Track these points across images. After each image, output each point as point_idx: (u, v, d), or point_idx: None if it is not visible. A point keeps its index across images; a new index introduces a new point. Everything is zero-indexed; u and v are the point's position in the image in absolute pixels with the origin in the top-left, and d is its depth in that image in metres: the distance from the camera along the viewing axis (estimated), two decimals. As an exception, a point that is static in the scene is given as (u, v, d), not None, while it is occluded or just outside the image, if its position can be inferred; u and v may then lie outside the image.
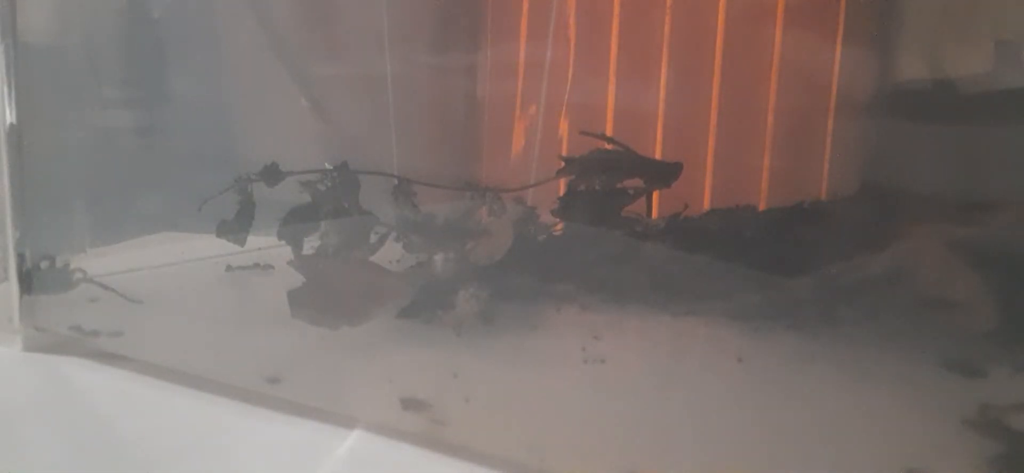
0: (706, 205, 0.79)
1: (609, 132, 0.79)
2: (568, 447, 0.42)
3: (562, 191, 0.73)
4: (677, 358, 0.54)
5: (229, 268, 0.72)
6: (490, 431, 0.44)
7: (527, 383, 0.50)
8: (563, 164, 0.73)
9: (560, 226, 0.73)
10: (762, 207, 0.76)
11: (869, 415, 0.44)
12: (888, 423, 0.43)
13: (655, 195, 0.73)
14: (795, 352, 0.52)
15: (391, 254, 0.66)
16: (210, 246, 0.69)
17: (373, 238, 0.66)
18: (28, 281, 0.61)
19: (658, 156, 0.81)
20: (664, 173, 0.73)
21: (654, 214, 0.73)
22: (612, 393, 0.48)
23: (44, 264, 0.64)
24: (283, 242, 0.66)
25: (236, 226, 0.67)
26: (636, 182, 0.72)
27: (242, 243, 0.68)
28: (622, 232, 0.68)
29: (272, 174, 0.68)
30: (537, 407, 0.47)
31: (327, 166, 0.69)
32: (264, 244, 0.69)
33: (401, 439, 0.44)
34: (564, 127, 0.85)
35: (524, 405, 0.47)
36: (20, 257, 0.61)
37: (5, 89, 0.59)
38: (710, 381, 0.49)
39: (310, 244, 0.66)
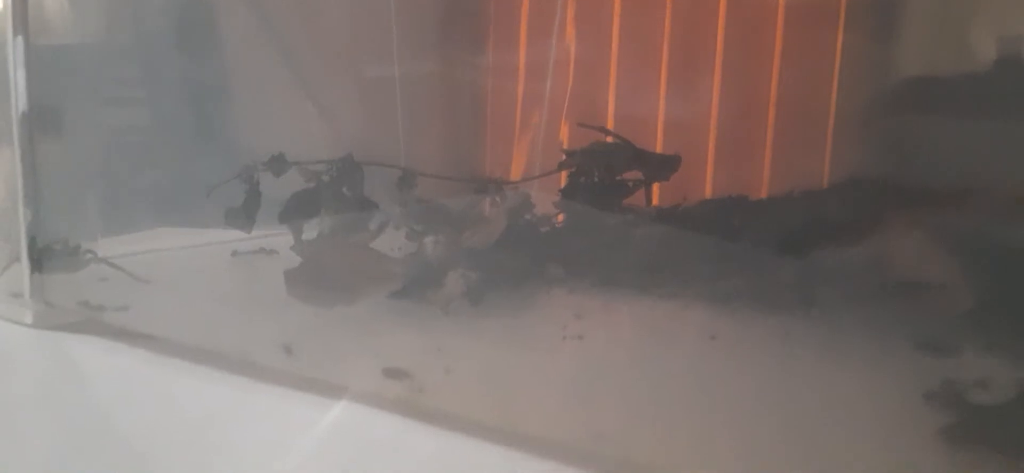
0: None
1: (610, 128, 0.81)
2: (537, 412, 0.44)
3: (564, 183, 0.75)
4: (653, 336, 0.55)
5: (235, 253, 0.75)
6: (465, 398, 0.46)
7: (505, 356, 0.52)
8: (565, 157, 0.75)
9: (561, 216, 0.75)
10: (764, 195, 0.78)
11: (834, 390, 0.46)
12: (852, 397, 0.45)
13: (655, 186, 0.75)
14: (769, 332, 0.53)
15: (394, 242, 0.68)
16: (219, 233, 0.72)
17: (373, 225, 0.68)
18: (39, 260, 0.63)
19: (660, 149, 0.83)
20: (663, 165, 0.74)
21: (654, 203, 0.74)
22: (585, 366, 0.49)
23: (58, 246, 0.66)
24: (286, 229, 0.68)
25: (243, 214, 0.70)
26: (636, 174, 0.73)
27: (248, 230, 0.70)
28: (616, 220, 0.70)
29: (278, 164, 0.71)
30: (511, 377, 0.48)
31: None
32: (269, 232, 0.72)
33: (384, 407, 0.46)
34: (564, 130, 0.87)
35: (499, 375, 0.49)
36: (32, 238, 0.63)
37: (18, 80, 0.62)
38: (682, 357, 0.51)
39: (312, 231, 0.68)
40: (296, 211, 0.69)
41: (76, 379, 0.58)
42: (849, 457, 0.40)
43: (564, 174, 0.75)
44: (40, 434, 0.49)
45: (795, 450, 0.41)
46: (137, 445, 0.47)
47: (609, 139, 0.75)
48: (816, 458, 0.40)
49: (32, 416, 0.51)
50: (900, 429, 0.41)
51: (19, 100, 0.63)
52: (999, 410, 0.41)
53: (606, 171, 0.74)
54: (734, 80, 0.82)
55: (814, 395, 0.45)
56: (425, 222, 0.69)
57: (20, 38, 0.63)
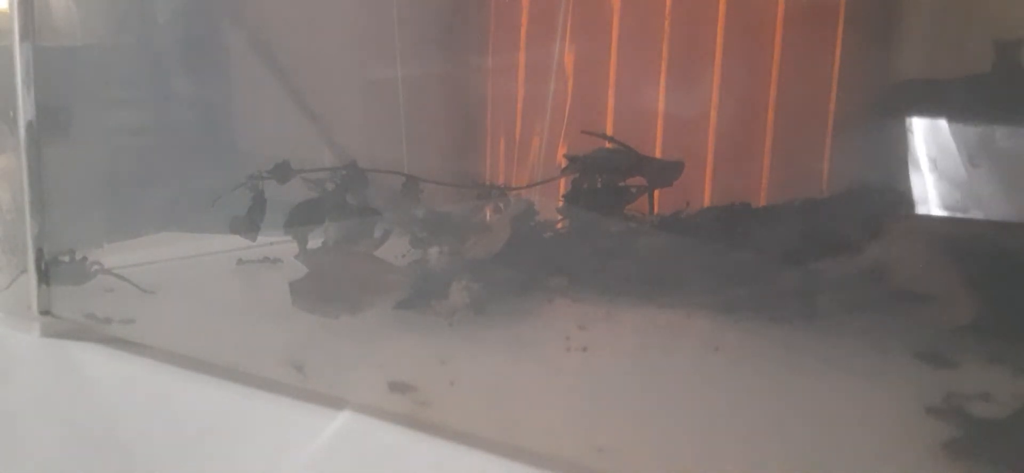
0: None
1: (610, 134, 0.81)
2: (540, 426, 0.44)
3: (566, 189, 0.75)
4: (656, 347, 0.56)
5: (240, 262, 0.75)
6: (469, 412, 0.46)
7: (509, 368, 0.52)
8: (567, 163, 0.75)
9: (561, 223, 0.75)
10: (762, 203, 0.78)
11: (837, 403, 0.46)
12: (855, 409, 0.45)
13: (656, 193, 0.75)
14: (773, 343, 0.53)
15: (398, 249, 0.69)
16: (225, 242, 0.72)
17: (377, 233, 0.69)
18: (46, 273, 0.64)
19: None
20: (666, 172, 0.74)
21: (655, 210, 0.74)
22: (589, 378, 0.50)
23: (65, 258, 0.67)
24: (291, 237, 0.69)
25: (248, 222, 0.70)
26: (639, 181, 0.73)
27: (253, 238, 0.71)
28: (618, 228, 0.70)
29: (283, 172, 0.71)
30: (516, 390, 0.49)
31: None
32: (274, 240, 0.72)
33: (387, 418, 0.46)
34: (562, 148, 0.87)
35: (504, 389, 0.49)
36: (39, 250, 0.63)
37: (24, 89, 0.62)
38: (686, 369, 0.51)
39: (316, 239, 0.68)
40: (301, 219, 0.69)
41: (81, 387, 0.58)
42: (852, 470, 0.40)
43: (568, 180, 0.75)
44: (45, 441, 0.49)
45: (798, 463, 0.41)
46: (140, 453, 0.47)
47: (610, 145, 0.76)
48: (819, 471, 0.41)
49: (37, 424, 0.52)
50: (903, 442, 0.42)
51: (26, 108, 0.63)
52: (1002, 424, 0.42)
53: (609, 177, 0.74)
54: (734, 84, 0.82)
55: (817, 407, 0.45)
56: (429, 230, 0.69)
57: (27, 45, 0.63)
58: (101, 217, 0.79)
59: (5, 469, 0.46)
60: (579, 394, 0.48)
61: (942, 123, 0.63)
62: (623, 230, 0.70)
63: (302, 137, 0.85)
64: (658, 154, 0.83)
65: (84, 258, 0.68)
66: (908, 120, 0.64)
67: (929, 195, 0.61)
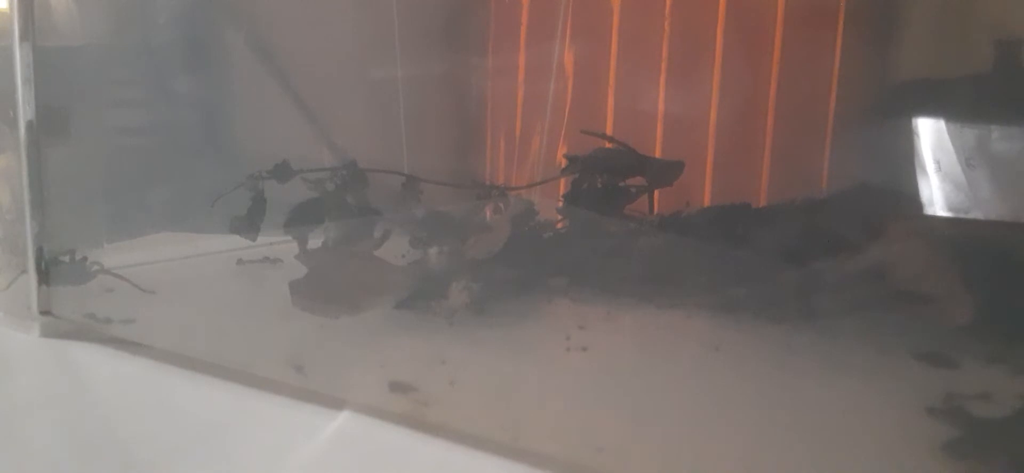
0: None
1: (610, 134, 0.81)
2: (541, 426, 0.44)
3: (566, 189, 0.75)
4: (656, 347, 0.56)
5: (240, 262, 0.75)
6: (470, 412, 0.46)
7: (509, 368, 0.52)
8: (567, 163, 0.75)
9: (561, 223, 0.75)
10: (762, 203, 0.78)
11: (837, 403, 0.46)
12: (854, 409, 0.45)
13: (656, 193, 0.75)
14: (773, 343, 0.53)
15: (398, 249, 0.69)
16: (225, 241, 0.72)
17: (377, 233, 0.69)
18: (46, 273, 0.64)
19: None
20: (666, 172, 0.74)
21: (655, 210, 0.74)
22: (589, 378, 0.50)
23: (65, 258, 0.67)
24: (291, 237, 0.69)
25: (248, 222, 0.70)
26: (639, 180, 0.73)
27: (253, 238, 0.71)
28: (618, 228, 0.70)
29: (283, 172, 0.71)
30: (516, 390, 0.49)
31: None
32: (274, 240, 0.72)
33: (387, 418, 0.46)
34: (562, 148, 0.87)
35: (504, 389, 0.49)
36: (39, 250, 0.63)
37: (24, 89, 0.62)
38: (686, 369, 0.51)
39: (316, 239, 0.68)
40: (301, 219, 0.69)
41: (81, 387, 0.58)
42: (852, 470, 0.40)
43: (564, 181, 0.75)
44: (45, 441, 0.49)
45: (798, 463, 0.41)
46: (140, 453, 0.47)
47: (610, 145, 0.76)
48: (819, 472, 0.41)
49: (37, 424, 0.52)
50: (903, 442, 0.42)
51: (25, 108, 0.63)
52: (1002, 424, 0.42)
53: (609, 177, 0.74)
54: (734, 84, 0.82)
55: (817, 408, 0.45)
56: (429, 230, 0.69)
57: (27, 45, 0.63)
58: (101, 217, 0.79)
59: (5, 469, 0.46)
60: (579, 394, 0.48)
61: (942, 123, 0.63)
62: (623, 230, 0.70)
63: (302, 137, 0.85)
64: (658, 154, 0.83)
65: (84, 258, 0.68)
66: (908, 120, 0.64)
67: (929, 195, 0.61)
